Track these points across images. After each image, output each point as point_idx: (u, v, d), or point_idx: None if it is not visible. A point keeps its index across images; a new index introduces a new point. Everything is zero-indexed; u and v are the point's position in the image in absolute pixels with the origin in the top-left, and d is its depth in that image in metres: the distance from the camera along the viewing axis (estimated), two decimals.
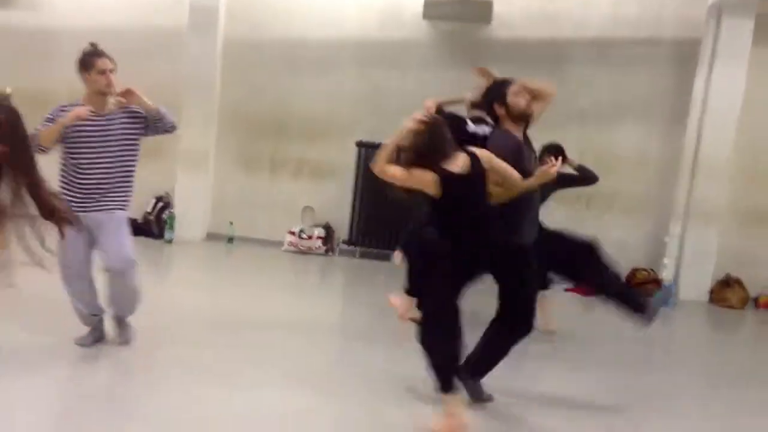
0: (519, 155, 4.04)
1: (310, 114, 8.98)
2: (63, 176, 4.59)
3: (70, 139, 4.53)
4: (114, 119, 4.75)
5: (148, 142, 9.05)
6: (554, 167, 3.92)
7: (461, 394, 3.91)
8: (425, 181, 3.75)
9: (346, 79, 8.89)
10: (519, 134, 4.16)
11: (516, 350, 4.25)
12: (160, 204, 9.04)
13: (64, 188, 4.54)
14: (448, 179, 3.74)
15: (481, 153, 3.88)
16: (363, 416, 4.06)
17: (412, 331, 3.99)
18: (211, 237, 9.10)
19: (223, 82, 8.97)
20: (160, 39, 8.97)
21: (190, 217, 8.89)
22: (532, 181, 3.98)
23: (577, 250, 4.26)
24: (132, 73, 8.91)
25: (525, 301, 4.09)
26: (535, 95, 4.22)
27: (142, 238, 8.84)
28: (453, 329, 3.77)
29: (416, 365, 4.08)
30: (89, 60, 4.61)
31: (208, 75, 8.81)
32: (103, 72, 4.61)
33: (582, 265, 4.10)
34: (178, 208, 8.89)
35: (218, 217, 9.14)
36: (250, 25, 8.96)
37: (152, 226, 8.94)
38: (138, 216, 9.05)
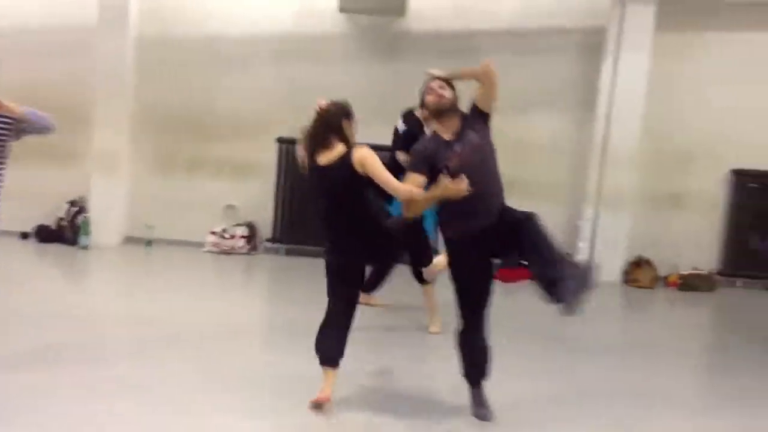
0: (433, 159, 3.97)
1: (228, 112, 8.86)
2: None
3: None
4: None
5: (59, 146, 8.87)
6: (464, 184, 3.78)
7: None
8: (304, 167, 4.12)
9: (264, 75, 8.82)
10: (450, 131, 4.09)
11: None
12: (74, 209, 8.74)
13: None
14: (308, 167, 4.09)
15: (357, 152, 3.96)
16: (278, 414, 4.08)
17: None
18: (129, 241, 8.87)
19: (137, 81, 8.74)
20: (69, 36, 8.68)
21: (106, 221, 8.63)
22: (430, 195, 3.87)
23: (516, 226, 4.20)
24: (40, 72, 8.71)
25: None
26: (473, 80, 4.26)
27: (55, 245, 8.56)
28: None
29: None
30: None
31: (120, 74, 8.56)
32: None
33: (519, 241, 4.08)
34: (93, 213, 8.61)
35: (136, 220, 8.90)
36: (163, 22, 8.77)
37: (66, 232, 8.64)
38: (51, 222, 8.76)
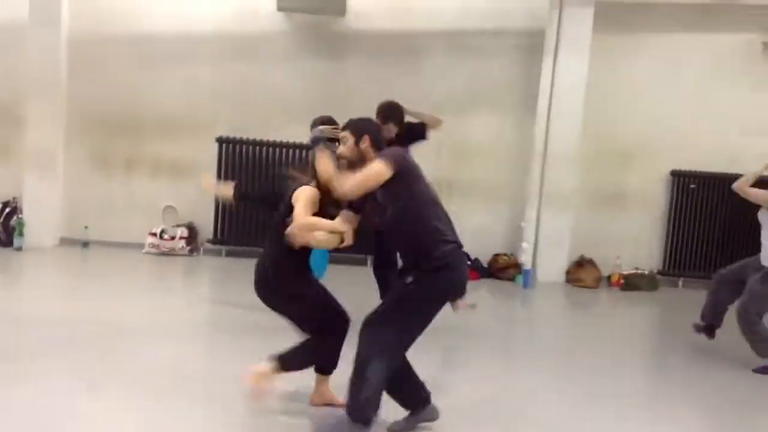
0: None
1: (166, 110, 8.69)
2: None
3: None
4: None
5: None
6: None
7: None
8: None
9: (202, 73, 8.68)
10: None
11: None
12: (7, 209, 8.49)
13: None
14: None
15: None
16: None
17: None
18: (65, 242, 8.66)
19: (70, 79, 8.54)
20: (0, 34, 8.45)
21: (41, 222, 8.41)
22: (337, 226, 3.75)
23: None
24: None
25: None
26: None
27: None
28: None
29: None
30: None
31: (52, 71, 8.35)
32: None
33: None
34: (27, 213, 8.39)
35: (71, 222, 8.69)
36: (96, 19, 8.57)
37: None
38: None
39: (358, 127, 3.75)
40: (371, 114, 8.57)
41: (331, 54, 8.76)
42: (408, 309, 3.58)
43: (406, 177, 3.60)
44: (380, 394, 3.53)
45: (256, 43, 8.69)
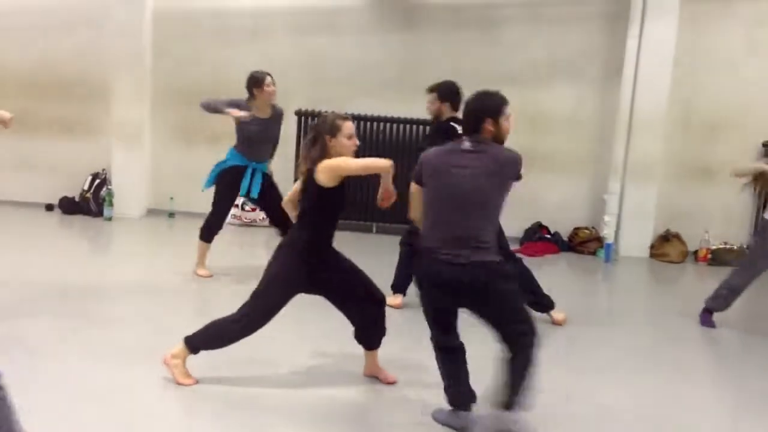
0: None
1: (244, 85, 8.77)
2: None
3: None
4: None
5: (79, 119, 8.95)
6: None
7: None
8: None
9: (281, 47, 8.73)
10: None
11: None
12: (97, 181, 8.82)
13: None
14: None
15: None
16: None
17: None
18: (152, 213, 8.94)
19: (154, 54, 8.75)
20: (84, 11, 8.70)
21: (129, 193, 8.71)
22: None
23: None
24: (59, 46, 8.79)
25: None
26: None
27: (79, 217, 8.67)
28: None
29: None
30: None
31: (137, 46, 8.58)
32: None
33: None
34: (116, 185, 8.70)
35: (158, 192, 8.97)
36: None
37: (90, 204, 8.73)
38: (75, 194, 8.86)
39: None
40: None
41: (407, 26, 8.69)
42: None
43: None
44: None
45: (334, 15, 8.69)
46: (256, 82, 6.17)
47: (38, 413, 3.42)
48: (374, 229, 8.76)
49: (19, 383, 3.80)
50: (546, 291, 5.60)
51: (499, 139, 3.62)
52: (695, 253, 8.45)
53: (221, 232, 6.47)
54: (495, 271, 3.46)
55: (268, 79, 6.18)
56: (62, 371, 4.11)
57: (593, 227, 8.55)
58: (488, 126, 3.56)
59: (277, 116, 6.41)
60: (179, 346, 3.97)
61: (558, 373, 4.47)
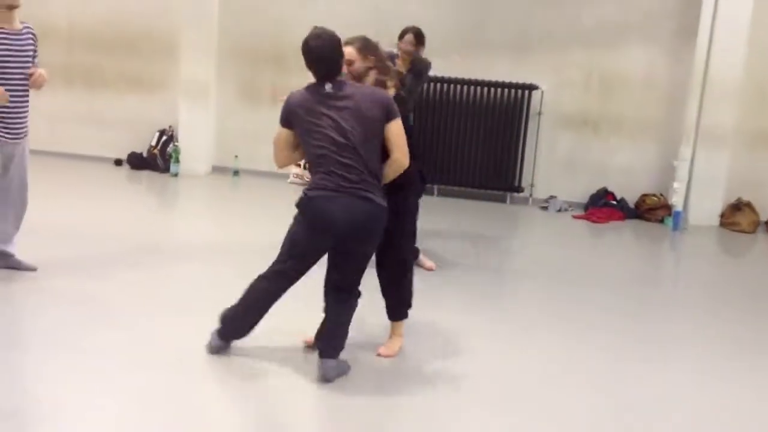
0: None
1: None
2: None
3: None
4: (23, 36, 4.54)
5: (147, 75, 9.07)
6: None
7: None
8: None
9: (346, 4, 8.66)
10: None
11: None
12: (164, 137, 8.96)
13: None
14: None
15: None
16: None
17: None
18: (217, 170, 9.05)
19: (220, 12, 8.77)
20: None
21: (195, 150, 8.82)
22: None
23: None
24: (126, 2, 8.88)
25: None
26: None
27: (147, 172, 8.85)
28: None
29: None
30: None
31: (205, 4, 8.61)
32: None
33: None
34: (182, 142, 8.82)
35: (223, 150, 9.06)
36: None
37: (157, 160, 8.89)
38: (143, 150, 9.02)
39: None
40: (509, 48, 8.39)
41: None
42: None
43: None
44: None
45: None
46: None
47: (78, 370, 3.52)
48: (435, 192, 8.70)
49: (78, 337, 3.96)
50: (610, 258, 5.50)
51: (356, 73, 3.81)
52: (767, 222, 8.17)
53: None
54: None
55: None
56: (123, 324, 4.22)
57: (661, 194, 8.32)
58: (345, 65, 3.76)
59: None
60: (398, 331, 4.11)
61: (611, 341, 4.41)
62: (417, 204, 4.39)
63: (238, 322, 3.85)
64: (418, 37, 5.84)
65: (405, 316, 4.12)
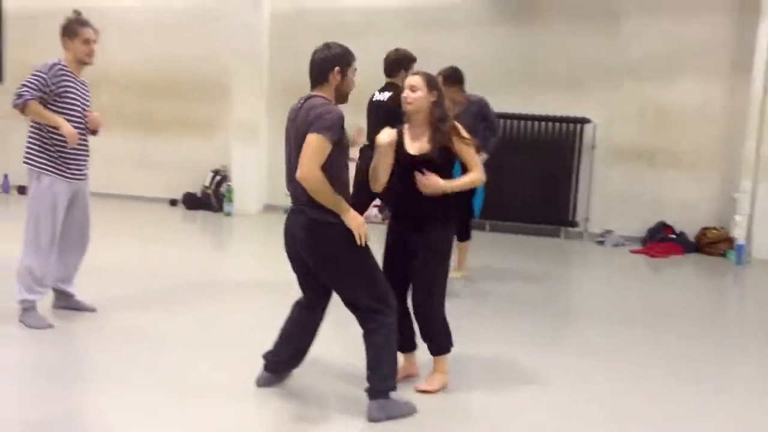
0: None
1: (358, 81, 8.81)
2: (45, 140, 4.50)
3: (59, 102, 4.49)
4: (85, 84, 4.75)
5: (200, 118, 9.24)
6: None
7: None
8: None
9: (393, 43, 8.68)
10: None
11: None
12: (218, 177, 9.09)
13: (49, 154, 4.50)
14: None
15: None
16: None
17: None
18: (269, 208, 9.13)
19: (271, 53, 8.94)
20: (204, 13, 9.01)
21: (247, 189, 8.94)
22: None
23: None
24: (181, 47, 9.10)
25: None
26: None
27: (201, 212, 8.98)
28: None
29: None
30: (75, 28, 4.59)
31: (255, 47, 8.80)
32: (86, 42, 4.60)
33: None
34: (235, 181, 8.94)
35: (274, 189, 9.12)
36: None
37: (211, 200, 9.01)
38: (197, 190, 9.16)
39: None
40: (559, 82, 8.31)
41: (521, 19, 8.49)
42: None
43: None
44: None
45: (446, 9, 8.58)
46: None
47: (136, 404, 3.54)
48: (487, 227, 8.61)
49: (134, 373, 3.97)
50: (672, 295, 5.30)
51: (342, 91, 3.63)
52: None
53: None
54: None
55: None
56: (178, 360, 4.21)
57: (722, 227, 8.09)
58: (335, 76, 3.58)
59: None
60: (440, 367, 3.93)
61: (672, 388, 4.23)
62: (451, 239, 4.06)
63: (278, 354, 3.83)
64: (448, 80, 5.76)
65: (445, 350, 3.93)
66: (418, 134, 3.81)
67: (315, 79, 3.63)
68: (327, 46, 3.64)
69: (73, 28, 4.57)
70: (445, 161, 3.79)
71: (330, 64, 3.58)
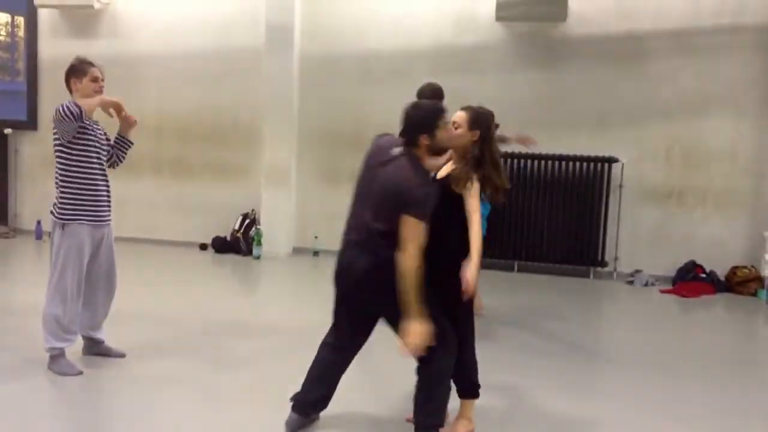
0: None
1: (387, 125, 8.85)
2: (66, 189, 4.53)
3: (77, 144, 4.54)
4: (99, 126, 4.77)
5: (231, 163, 9.39)
6: None
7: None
8: None
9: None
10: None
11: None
12: (247, 221, 9.21)
13: (71, 201, 4.53)
14: None
15: None
16: None
17: None
18: (297, 251, 9.21)
19: (301, 98, 9.09)
20: (237, 59, 9.20)
21: (276, 232, 9.03)
22: None
23: None
24: (214, 94, 9.30)
25: None
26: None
27: (231, 255, 9.07)
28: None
29: None
30: (83, 67, 4.67)
31: (286, 92, 8.96)
32: (95, 80, 4.68)
33: None
34: (265, 225, 9.04)
35: (303, 232, 9.25)
36: (324, 40, 9.04)
37: (240, 243, 9.11)
38: (226, 234, 9.27)
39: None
40: (587, 122, 8.34)
41: (549, 61, 8.56)
42: None
43: None
44: None
45: (474, 54, 8.68)
46: None
47: None
48: (516, 268, 8.60)
49: (165, 420, 4.00)
50: (704, 336, 5.21)
51: (436, 148, 3.59)
52: None
53: None
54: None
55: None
56: (209, 406, 4.25)
57: (753, 266, 8.00)
58: (423, 141, 3.54)
59: None
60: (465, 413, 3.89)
61: None
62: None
63: (307, 394, 3.86)
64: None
65: (471, 395, 3.88)
66: (452, 161, 3.81)
67: (406, 138, 3.61)
68: (415, 106, 3.65)
69: (82, 67, 4.66)
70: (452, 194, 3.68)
71: (417, 130, 3.56)
